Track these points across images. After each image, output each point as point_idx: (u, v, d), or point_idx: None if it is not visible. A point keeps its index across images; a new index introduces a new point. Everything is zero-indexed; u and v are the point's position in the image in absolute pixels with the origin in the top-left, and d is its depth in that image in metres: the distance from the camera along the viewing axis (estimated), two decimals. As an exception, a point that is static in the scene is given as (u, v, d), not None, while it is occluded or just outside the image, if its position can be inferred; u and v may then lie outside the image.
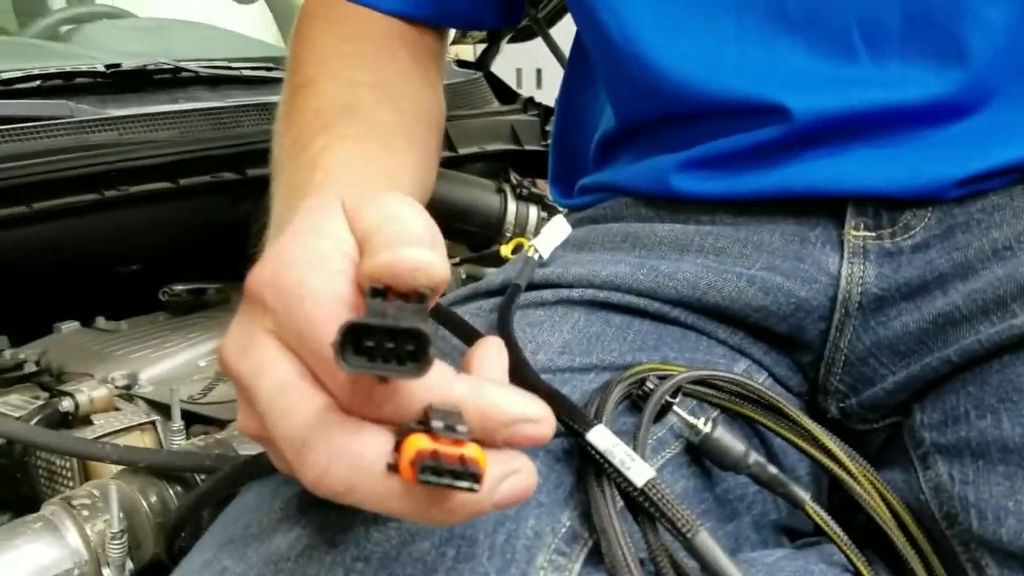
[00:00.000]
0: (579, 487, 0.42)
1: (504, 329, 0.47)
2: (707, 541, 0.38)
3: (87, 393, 0.76)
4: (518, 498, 0.31)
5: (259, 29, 1.55)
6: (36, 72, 0.97)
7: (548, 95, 1.40)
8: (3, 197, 0.85)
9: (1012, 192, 0.52)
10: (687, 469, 0.47)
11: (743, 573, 0.38)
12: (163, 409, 0.78)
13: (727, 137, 0.53)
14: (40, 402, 0.76)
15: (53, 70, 0.99)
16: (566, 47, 1.39)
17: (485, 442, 0.30)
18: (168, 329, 0.94)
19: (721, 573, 0.38)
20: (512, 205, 1.09)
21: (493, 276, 0.57)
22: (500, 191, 1.10)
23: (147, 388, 0.83)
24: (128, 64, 1.04)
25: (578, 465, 0.42)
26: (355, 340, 0.28)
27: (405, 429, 0.30)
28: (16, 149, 0.87)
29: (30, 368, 0.83)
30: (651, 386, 0.46)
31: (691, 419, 0.46)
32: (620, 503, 0.40)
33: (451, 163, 1.12)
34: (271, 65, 1.16)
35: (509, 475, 0.31)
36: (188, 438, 0.75)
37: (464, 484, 0.29)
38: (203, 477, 0.69)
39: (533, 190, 1.14)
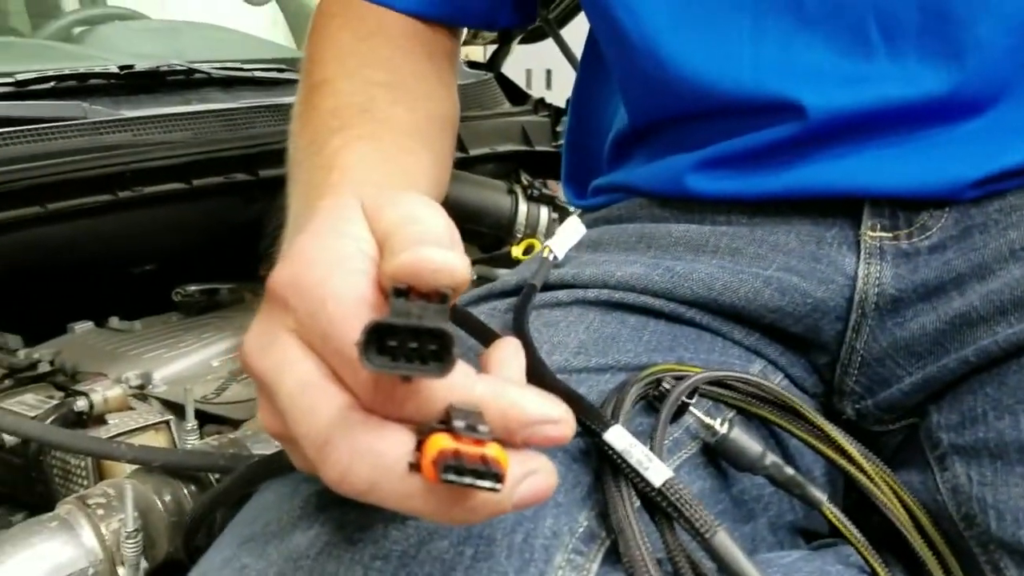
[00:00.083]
0: (596, 487, 0.42)
1: (520, 329, 0.47)
2: (726, 541, 0.38)
3: (101, 393, 0.76)
4: (538, 498, 0.31)
5: (270, 31, 1.55)
6: (50, 73, 0.98)
7: (558, 96, 1.40)
8: (18, 198, 0.86)
9: None
10: (703, 470, 0.47)
11: (761, 573, 0.38)
12: (177, 409, 0.79)
13: (742, 136, 0.53)
14: (55, 402, 0.76)
15: (67, 71, 0.99)
16: (576, 48, 1.39)
17: (505, 442, 0.30)
18: (181, 329, 0.95)
19: (740, 573, 0.38)
20: (523, 206, 1.09)
21: (508, 277, 0.57)
22: (511, 192, 1.10)
23: (161, 388, 0.84)
24: (141, 65, 1.05)
25: (595, 465, 0.42)
26: (379, 339, 0.28)
27: (426, 429, 0.30)
28: (31, 150, 0.87)
29: (44, 368, 0.84)
30: (667, 387, 0.46)
31: (708, 420, 0.46)
32: (637, 503, 0.40)
33: (462, 164, 1.12)
34: (283, 67, 1.16)
35: (529, 475, 0.31)
36: (201, 438, 0.75)
37: (486, 484, 0.29)
38: (217, 477, 0.69)
39: (544, 191, 1.14)
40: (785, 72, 0.52)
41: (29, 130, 0.88)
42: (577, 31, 1.37)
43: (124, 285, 1.03)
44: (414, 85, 0.58)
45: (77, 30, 1.30)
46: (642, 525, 0.39)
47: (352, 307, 0.31)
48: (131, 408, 0.78)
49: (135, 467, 0.69)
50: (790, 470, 0.46)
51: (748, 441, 0.46)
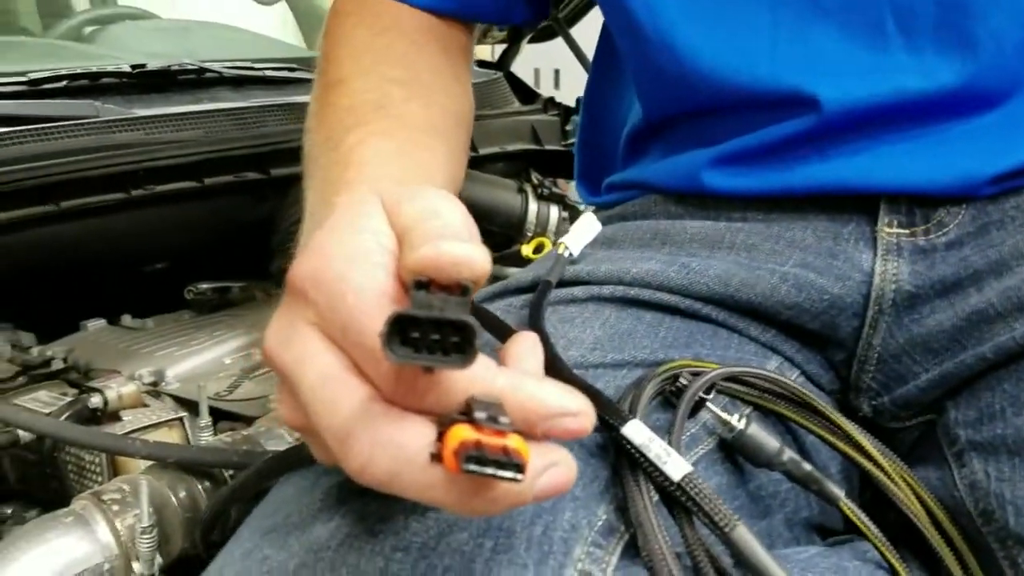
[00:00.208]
0: (614, 481, 0.42)
1: (536, 325, 0.47)
2: (745, 535, 0.38)
3: (116, 389, 0.77)
4: (558, 490, 0.31)
5: (279, 31, 1.55)
6: (63, 72, 0.98)
7: (566, 95, 1.40)
8: (31, 196, 0.86)
9: None
10: (720, 466, 0.47)
11: (780, 567, 0.38)
12: (190, 406, 0.79)
13: (758, 131, 0.53)
14: (69, 398, 0.77)
15: (79, 70, 1.00)
16: (586, 47, 1.39)
17: (525, 435, 0.30)
18: (193, 327, 0.95)
19: (759, 567, 0.38)
20: (533, 205, 1.09)
21: (523, 273, 0.57)
22: (521, 191, 1.10)
23: (174, 385, 0.84)
24: (153, 65, 1.05)
25: (612, 460, 0.42)
26: (401, 331, 0.29)
27: (447, 420, 0.30)
28: (43, 148, 0.88)
29: (58, 365, 0.84)
30: (684, 382, 0.46)
31: (725, 416, 0.46)
32: (655, 497, 0.40)
33: (472, 163, 1.12)
34: (294, 66, 1.16)
35: (550, 467, 0.31)
36: (215, 435, 0.75)
37: (507, 474, 0.29)
38: (231, 473, 0.69)
39: (554, 190, 1.14)
40: (801, 64, 0.52)
41: (41, 129, 0.89)
42: (586, 30, 1.37)
43: (136, 283, 1.04)
44: (429, 80, 0.58)
45: (88, 29, 1.31)
46: (660, 519, 0.39)
47: (373, 300, 0.31)
48: (145, 405, 0.78)
49: (149, 463, 0.70)
50: (807, 466, 0.46)
51: (766, 437, 0.46)
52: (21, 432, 0.71)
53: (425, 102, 0.56)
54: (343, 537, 0.37)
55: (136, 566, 0.65)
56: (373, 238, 0.33)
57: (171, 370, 0.85)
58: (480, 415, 0.29)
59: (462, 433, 0.29)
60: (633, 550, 0.40)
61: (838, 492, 0.46)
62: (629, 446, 0.40)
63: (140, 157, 0.92)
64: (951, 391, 0.52)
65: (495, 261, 1.09)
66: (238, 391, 0.83)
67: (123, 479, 0.68)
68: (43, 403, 0.77)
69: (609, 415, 0.41)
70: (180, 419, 0.75)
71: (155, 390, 0.82)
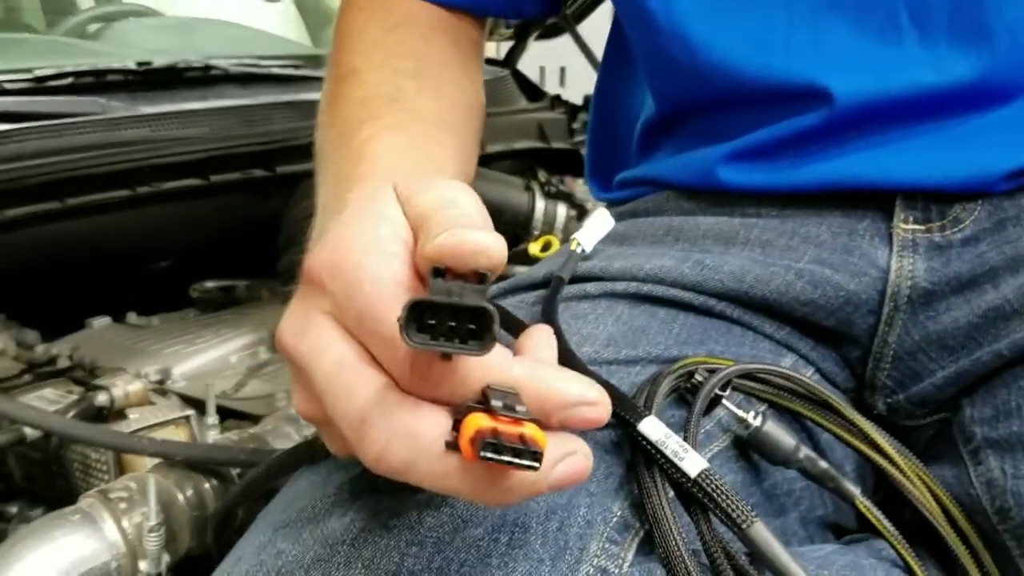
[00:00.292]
0: (629, 478, 0.41)
1: (549, 321, 0.47)
2: (763, 531, 0.38)
3: (122, 387, 0.76)
4: (574, 480, 0.31)
5: (282, 29, 1.55)
6: (69, 70, 0.98)
7: (572, 93, 1.40)
8: (36, 193, 0.86)
9: None
10: (735, 463, 0.47)
11: (798, 564, 0.37)
12: (196, 404, 0.78)
13: (771, 126, 0.53)
14: (74, 396, 0.76)
15: (85, 68, 0.99)
16: (592, 44, 1.39)
17: (541, 424, 0.30)
18: (199, 325, 0.95)
19: (777, 563, 0.38)
20: (540, 203, 1.09)
21: (535, 269, 0.57)
22: (528, 189, 1.10)
23: (180, 383, 0.84)
24: (159, 62, 1.05)
25: (627, 456, 0.42)
26: (418, 318, 0.28)
27: (463, 408, 0.30)
28: (49, 145, 0.88)
29: (63, 363, 0.84)
30: (700, 379, 0.45)
31: (741, 413, 0.45)
32: (671, 493, 0.40)
33: (479, 161, 1.11)
34: (300, 63, 1.16)
35: (566, 456, 0.31)
36: (221, 433, 0.75)
37: (524, 462, 0.28)
38: (239, 472, 0.69)
39: (561, 188, 1.14)
40: (815, 57, 0.51)
41: (47, 126, 0.89)
42: (593, 27, 1.37)
43: (141, 281, 1.04)
44: (440, 74, 0.58)
45: (93, 27, 1.30)
46: (677, 515, 0.39)
47: (389, 288, 0.31)
48: (151, 403, 0.78)
49: (156, 462, 0.69)
50: (824, 463, 0.46)
51: (782, 434, 0.45)
52: (27, 429, 0.71)
53: (436, 96, 0.56)
54: (358, 532, 0.36)
55: (143, 564, 0.65)
56: (389, 228, 0.33)
57: (177, 368, 0.85)
58: (496, 403, 0.29)
59: (479, 421, 0.29)
60: (648, 546, 0.40)
61: (854, 490, 0.46)
62: (645, 442, 0.40)
63: (146, 154, 0.92)
64: (967, 388, 0.51)
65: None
66: (244, 389, 0.83)
67: (130, 477, 0.67)
68: (48, 401, 0.77)
69: (625, 411, 0.40)
70: (187, 418, 0.75)
71: (161, 388, 0.82)
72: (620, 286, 0.52)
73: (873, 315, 0.52)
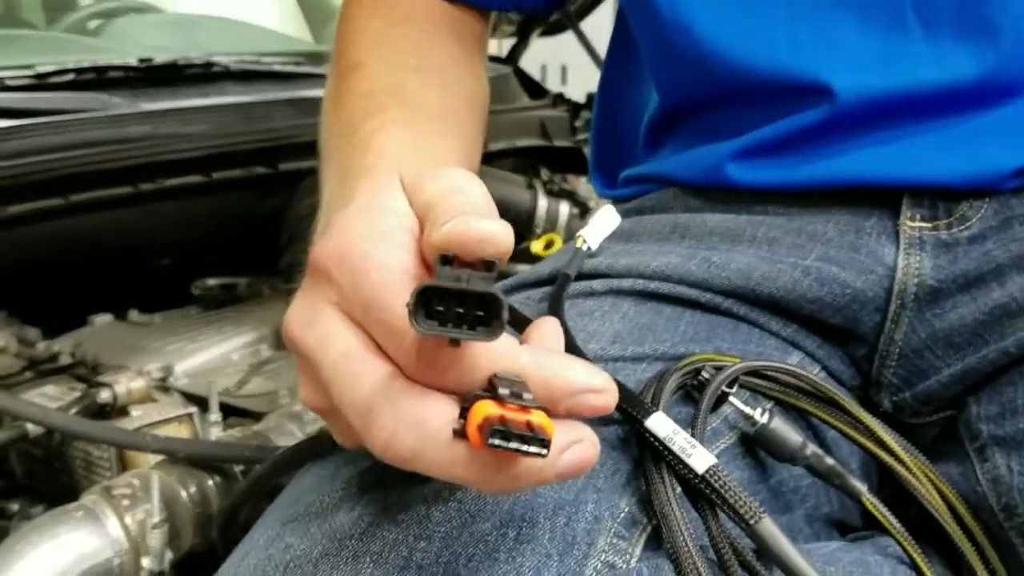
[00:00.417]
0: (636, 474, 0.41)
1: (556, 317, 0.47)
2: (771, 528, 0.38)
3: (125, 384, 0.76)
4: (581, 467, 0.31)
5: (280, 27, 1.55)
6: (70, 66, 0.98)
7: (573, 91, 1.40)
8: (38, 189, 0.86)
9: None
10: (741, 460, 0.47)
11: (805, 560, 0.37)
12: (199, 401, 0.78)
13: (776, 122, 0.53)
14: (76, 394, 0.76)
15: (86, 64, 0.99)
16: (595, 41, 1.39)
17: (548, 412, 0.30)
18: (200, 323, 0.95)
19: (785, 559, 0.38)
20: (543, 201, 1.09)
21: (541, 266, 0.56)
22: (531, 187, 1.10)
23: (182, 380, 0.84)
24: (161, 58, 1.05)
25: (634, 453, 0.42)
26: (426, 304, 0.29)
27: (471, 396, 0.30)
28: (51, 142, 0.88)
29: (65, 360, 0.84)
30: (707, 376, 0.45)
31: (747, 410, 0.45)
32: (678, 489, 0.40)
33: (481, 159, 1.12)
34: (301, 60, 1.16)
35: (574, 443, 0.31)
36: (224, 430, 0.75)
37: (532, 449, 0.28)
38: (242, 469, 0.69)
39: (563, 186, 1.14)
40: (818, 52, 0.51)
41: (49, 122, 0.89)
42: (595, 25, 1.37)
43: (143, 278, 1.03)
44: (443, 68, 0.58)
45: (93, 23, 1.30)
46: (684, 511, 0.39)
47: (396, 277, 0.31)
48: (154, 400, 0.78)
49: (159, 459, 0.69)
50: (830, 460, 0.46)
51: (789, 431, 0.45)
52: (29, 426, 0.71)
53: (440, 90, 0.56)
54: (366, 526, 0.36)
55: (146, 561, 0.65)
56: (395, 219, 0.33)
57: (179, 365, 0.85)
58: (504, 391, 0.29)
59: (486, 408, 0.29)
60: (655, 542, 0.40)
61: (860, 487, 0.46)
62: (653, 438, 0.40)
63: (148, 151, 0.91)
64: (973, 386, 0.51)
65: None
66: (247, 387, 0.83)
67: (133, 474, 0.67)
68: (50, 398, 0.77)
69: (632, 407, 0.40)
70: (190, 415, 0.75)
71: (164, 385, 0.82)
72: (626, 283, 0.52)
73: (880, 313, 0.52)
